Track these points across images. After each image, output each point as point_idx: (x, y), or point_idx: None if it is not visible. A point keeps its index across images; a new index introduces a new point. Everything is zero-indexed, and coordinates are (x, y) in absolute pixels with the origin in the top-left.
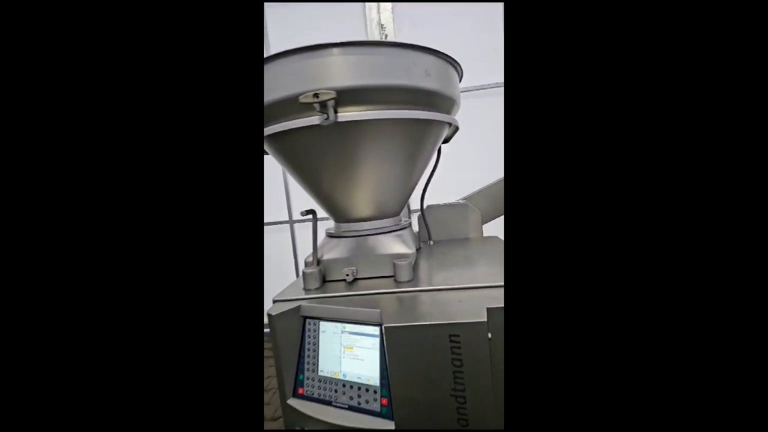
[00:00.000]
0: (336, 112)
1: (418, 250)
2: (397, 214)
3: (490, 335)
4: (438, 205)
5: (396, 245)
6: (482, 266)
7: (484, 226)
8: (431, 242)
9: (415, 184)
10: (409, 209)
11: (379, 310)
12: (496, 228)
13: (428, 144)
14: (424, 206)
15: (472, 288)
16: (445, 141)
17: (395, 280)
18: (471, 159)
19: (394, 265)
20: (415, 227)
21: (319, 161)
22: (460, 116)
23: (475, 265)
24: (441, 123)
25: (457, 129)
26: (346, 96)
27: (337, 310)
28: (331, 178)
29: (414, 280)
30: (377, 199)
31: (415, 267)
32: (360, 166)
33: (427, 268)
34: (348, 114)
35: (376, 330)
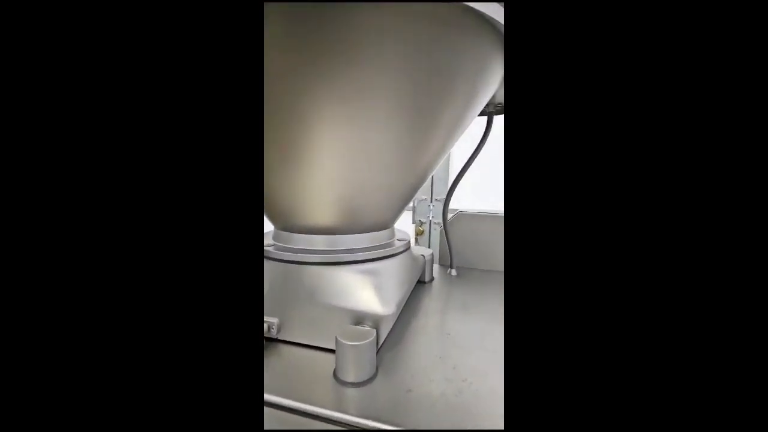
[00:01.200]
0: None
1: (426, 282)
2: (388, 225)
3: None
4: (471, 214)
5: (356, 292)
6: None
7: None
8: (453, 272)
9: (429, 170)
10: (413, 213)
11: None
12: None
13: (460, 83)
14: (448, 213)
15: None
16: (501, 111)
17: (334, 375)
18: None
19: (337, 342)
20: (426, 244)
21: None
22: None
23: None
24: (488, 38)
25: None
26: None
27: None
28: (267, 142)
29: (373, 381)
30: (348, 191)
31: (397, 335)
32: (316, 118)
33: (420, 341)
34: None
35: None
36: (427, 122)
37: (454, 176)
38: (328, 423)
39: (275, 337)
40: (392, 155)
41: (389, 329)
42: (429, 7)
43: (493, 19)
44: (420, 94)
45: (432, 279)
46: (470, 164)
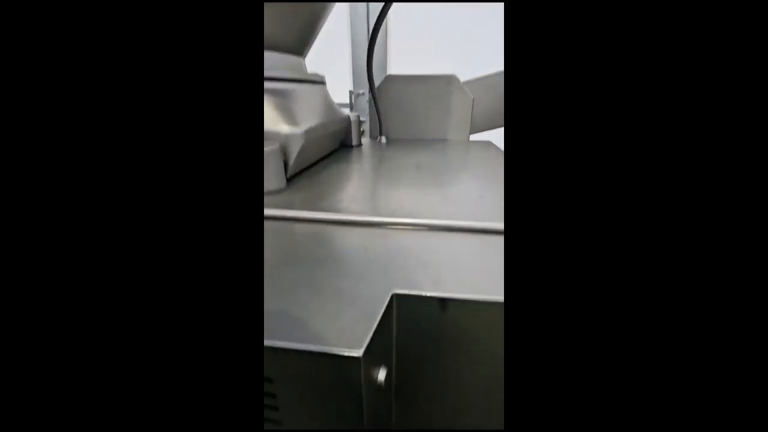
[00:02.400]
0: None
1: (353, 147)
2: (293, 49)
3: (381, 377)
4: (405, 77)
5: (265, 111)
6: (461, 194)
7: (471, 137)
8: (383, 139)
9: None
10: (372, 87)
11: None
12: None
13: None
14: (374, 75)
15: (400, 225)
16: None
17: None
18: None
19: None
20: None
21: None
22: None
23: (447, 188)
24: None
25: None
26: None
27: None
28: None
29: (281, 193)
30: None
31: (313, 173)
32: None
33: (338, 179)
34: None
35: None
36: None
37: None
38: None
39: None
40: None
41: (297, 152)
42: None
43: None
44: None
45: (360, 144)
46: (385, 13)
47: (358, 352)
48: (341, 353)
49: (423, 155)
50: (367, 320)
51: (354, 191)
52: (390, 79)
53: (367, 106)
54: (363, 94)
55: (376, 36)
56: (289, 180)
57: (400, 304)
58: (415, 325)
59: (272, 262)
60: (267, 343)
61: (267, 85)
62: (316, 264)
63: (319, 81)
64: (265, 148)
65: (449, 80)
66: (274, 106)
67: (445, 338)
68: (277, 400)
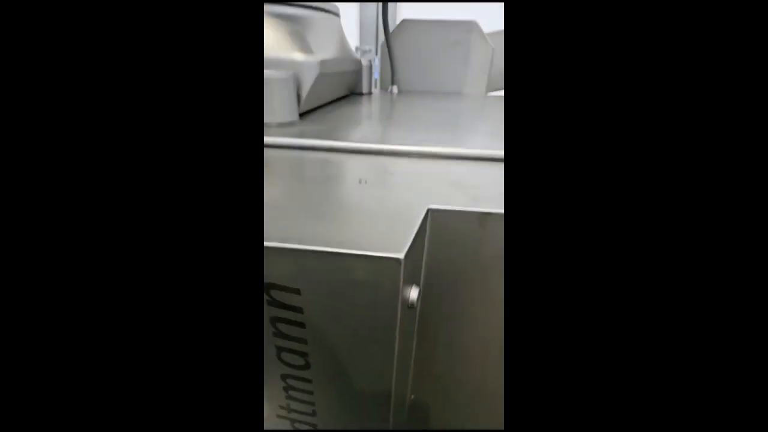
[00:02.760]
0: None
1: (363, 94)
2: None
3: (413, 296)
4: (419, 21)
5: (270, 34)
6: (468, 136)
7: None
8: (394, 89)
9: None
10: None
11: None
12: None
13: None
14: (390, 20)
15: (416, 154)
16: None
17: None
18: None
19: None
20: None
21: None
22: None
23: (459, 132)
24: None
25: None
26: None
27: None
28: None
29: (293, 126)
30: None
31: (323, 113)
32: None
33: (353, 116)
34: None
35: None
36: None
37: None
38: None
39: None
40: None
41: (312, 82)
42: None
43: None
44: None
45: (369, 92)
46: None
47: (399, 255)
48: (382, 255)
49: (439, 103)
50: (405, 229)
51: (370, 128)
52: (405, 24)
53: (374, 62)
54: (370, 50)
55: None
56: (301, 116)
57: (435, 220)
58: (450, 242)
59: (296, 185)
60: (294, 246)
61: (279, 8)
62: (342, 184)
63: (333, 11)
64: (278, 75)
65: (469, 27)
66: (287, 32)
67: (485, 254)
68: (304, 315)
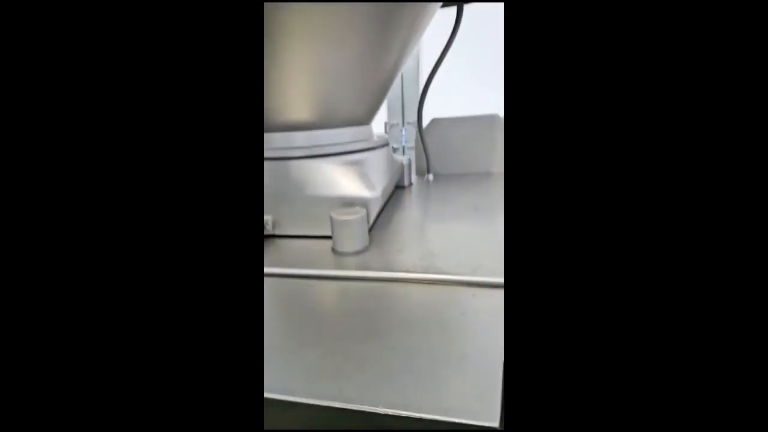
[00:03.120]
0: None
1: (405, 187)
2: (364, 121)
3: None
4: (447, 119)
5: (343, 180)
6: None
7: None
8: (430, 177)
9: (399, 63)
10: (403, 121)
11: None
12: None
13: None
14: (423, 119)
15: (478, 285)
16: None
17: (333, 249)
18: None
19: (332, 221)
20: (407, 153)
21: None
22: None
23: (497, 225)
24: None
25: None
26: None
27: None
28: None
29: (367, 251)
30: (321, 85)
31: (383, 222)
32: (289, 20)
33: (405, 225)
34: None
35: None
36: (389, 12)
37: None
38: (329, 280)
39: (272, 233)
40: (360, 48)
41: (377, 211)
42: None
43: None
44: None
45: (410, 184)
46: (442, 60)
47: (495, 423)
48: (478, 424)
49: (474, 194)
50: (491, 387)
51: (431, 244)
52: (436, 121)
53: (400, 135)
54: (397, 124)
55: (430, 83)
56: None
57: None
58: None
59: (377, 326)
60: (387, 411)
61: (347, 157)
62: (418, 328)
63: (385, 144)
64: (354, 217)
65: (492, 119)
66: (356, 176)
67: None
68: None
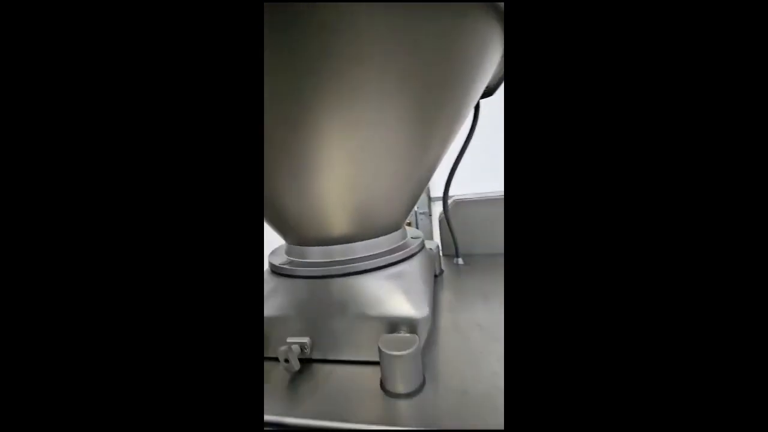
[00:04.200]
0: None
1: (437, 276)
2: (398, 225)
3: None
4: (471, 201)
5: (387, 299)
6: None
7: None
8: (459, 261)
9: (436, 163)
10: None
11: None
12: None
13: (460, 73)
14: (449, 202)
15: None
16: (487, 93)
17: (382, 386)
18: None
19: (382, 354)
20: (431, 233)
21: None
22: None
23: None
24: (485, 26)
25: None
26: None
27: None
28: (272, 154)
29: (422, 391)
30: (358, 198)
31: (429, 335)
32: (320, 125)
33: (457, 341)
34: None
35: None
36: (431, 115)
37: (449, 167)
38: None
39: (309, 357)
40: (400, 154)
41: (427, 332)
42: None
43: None
44: (422, 89)
45: (442, 272)
46: (464, 151)
47: None
48: None
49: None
50: None
51: (499, 377)
52: (458, 203)
53: (426, 222)
54: (424, 213)
55: (455, 169)
56: None
57: None
58: None
59: None
60: None
61: (389, 271)
62: None
63: (422, 248)
64: (410, 350)
65: None
66: (400, 292)
67: None
68: None
